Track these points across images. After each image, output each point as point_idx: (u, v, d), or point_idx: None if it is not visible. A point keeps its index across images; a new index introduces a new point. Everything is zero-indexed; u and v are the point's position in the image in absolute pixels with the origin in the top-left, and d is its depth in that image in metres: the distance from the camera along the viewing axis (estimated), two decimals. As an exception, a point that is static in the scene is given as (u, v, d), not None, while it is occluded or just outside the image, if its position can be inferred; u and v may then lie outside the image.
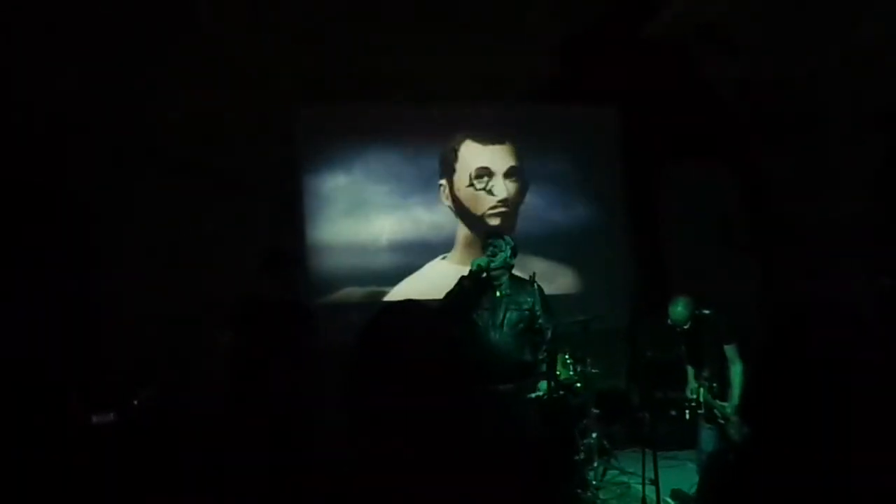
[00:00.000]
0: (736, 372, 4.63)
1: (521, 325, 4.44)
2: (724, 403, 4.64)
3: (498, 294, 4.46)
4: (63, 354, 5.09)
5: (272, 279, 4.34)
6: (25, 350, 4.95)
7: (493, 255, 4.42)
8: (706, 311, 4.72)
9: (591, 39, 6.45)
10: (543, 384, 4.40)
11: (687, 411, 4.84)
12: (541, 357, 4.46)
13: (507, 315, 4.43)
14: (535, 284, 4.48)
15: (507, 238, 4.57)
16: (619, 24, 6.25)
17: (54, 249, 5.50)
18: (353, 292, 6.59)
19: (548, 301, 4.54)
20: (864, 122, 5.74)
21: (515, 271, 4.59)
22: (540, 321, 4.43)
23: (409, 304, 1.51)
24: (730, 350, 4.66)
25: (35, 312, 5.22)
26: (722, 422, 4.62)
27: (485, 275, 4.42)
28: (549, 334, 4.46)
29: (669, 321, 4.72)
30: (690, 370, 4.98)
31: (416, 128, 6.85)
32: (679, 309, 4.66)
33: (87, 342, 5.40)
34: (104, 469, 4.12)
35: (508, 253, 4.46)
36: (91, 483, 4.03)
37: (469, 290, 4.40)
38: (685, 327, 4.70)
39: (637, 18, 6.15)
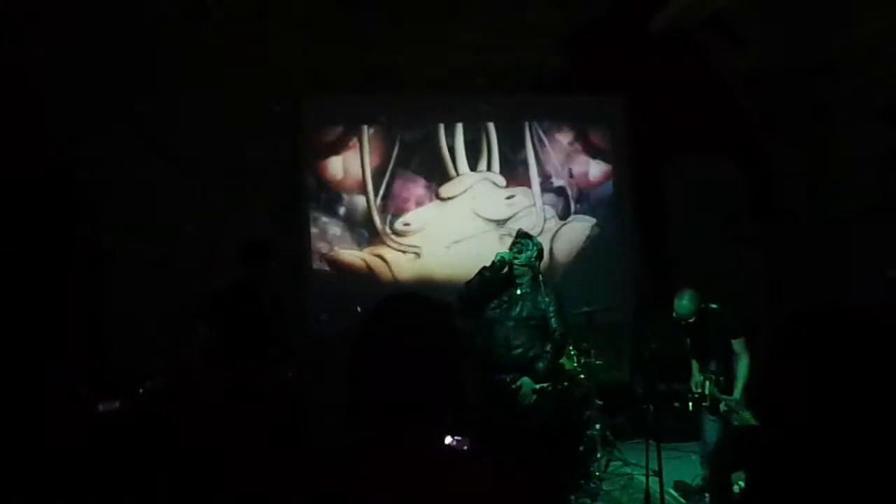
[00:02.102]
0: (742, 365, 4.63)
1: (534, 323, 4.46)
2: (730, 397, 4.64)
3: (518, 292, 4.48)
4: (70, 343, 5.12)
5: (247, 270, 4.34)
6: (34, 339, 4.98)
7: (520, 251, 4.44)
8: (714, 306, 4.70)
9: (597, 30, 6.42)
10: (526, 380, 4.41)
11: (691, 403, 4.84)
12: (546, 352, 4.48)
13: (524, 312, 4.46)
14: (553, 290, 4.53)
15: (536, 240, 4.59)
16: (626, 15, 6.22)
17: (61, 241, 5.53)
18: (355, 284, 6.62)
19: (563, 308, 4.56)
20: (872, 115, 5.70)
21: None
22: (553, 324, 4.45)
23: (412, 296, 1.51)
24: (737, 344, 4.65)
25: (42, 302, 5.25)
26: (733, 414, 4.62)
27: (506, 269, 4.43)
28: (556, 336, 4.48)
29: (675, 314, 4.71)
30: (695, 363, 4.98)
31: (420, 118, 6.85)
32: (684, 302, 4.65)
33: (94, 331, 5.44)
34: (110, 456, 4.15)
35: (535, 253, 4.48)
36: (97, 470, 4.06)
37: (489, 281, 4.42)
38: (690, 321, 4.69)
39: (644, 9, 6.11)
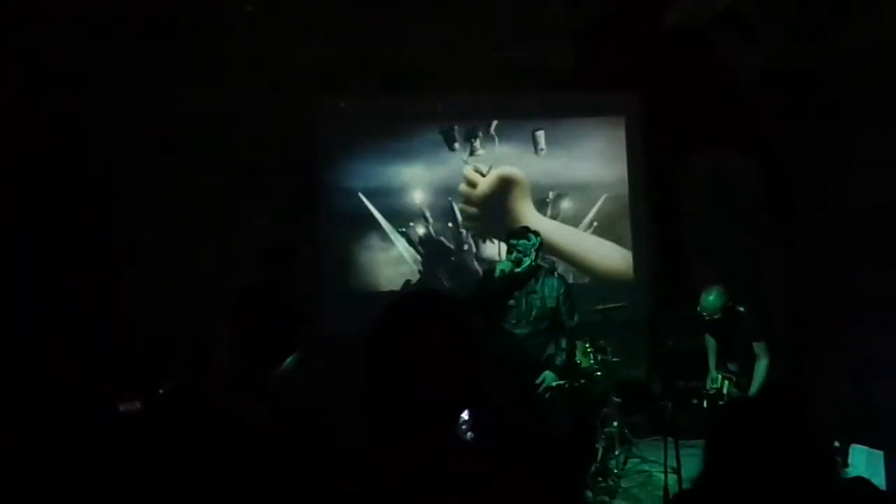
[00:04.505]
0: (761, 366, 4.62)
1: (545, 324, 4.46)
2: (744, 395, 4.64)
3: (527, 290, 4.48)
4: (91, 345, 5.17)
5: (272, 273, 4.42)
6: (54, 341, 5.04)
7: (518, 261, 4.40)
8: (741, 308, 4.67)
9: (609, 27, 6.40)
10: (549, 374, 4.41)
11: (706, 401, 4.83)
12: (561, 348, 4.48)
13: (533, 312, 4.45)
14: (559, 277, 4.52)
15: (533, 238, 4.48)
16: (639, 11, 6.20)
17: (80, 242, 5.59)
18: (370, 285, 6.65)
19: (571, 294, 4.55)
20: (889, 109, 5.64)
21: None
22: (564, 318, 4.44)
23: (427, 293, 1.51)
24: (759, 347, 4.63)
25: (63, 304, 5.31)
26: None
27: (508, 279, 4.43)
28: (570, 325, 4.48)
29: (699, 309, 4.66)
30: (712, 360, 4.96)
31: (434, 120, 6.86)
32: (711, 298, 4.59)
33: (115, 332, 5.49)
34: (130, 457, 4.19)
35: (533, 256, 4.44)
36: (117, 470, 4.10)
37: (493, 293, 4.41)
38: (715, 317, 4.64)
39: (656, 5, 6.09)
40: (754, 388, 4.62)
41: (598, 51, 6.53)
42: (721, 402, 4.74)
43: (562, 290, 4.48)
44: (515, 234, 4.55)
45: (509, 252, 4.45)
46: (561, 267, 6.44)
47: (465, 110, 6.84)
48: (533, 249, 4.43)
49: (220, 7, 5.77)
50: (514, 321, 4.46)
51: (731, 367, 4.84)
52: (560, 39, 6.48)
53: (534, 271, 4.46)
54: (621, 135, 7.00)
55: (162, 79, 5.87)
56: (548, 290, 4.46)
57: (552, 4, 6.15)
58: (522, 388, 4.38)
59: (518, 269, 4.38)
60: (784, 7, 5.91)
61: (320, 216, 6.62)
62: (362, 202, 6.68)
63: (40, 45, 5.34)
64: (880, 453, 4.81)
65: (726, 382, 4.76)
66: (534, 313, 4.44)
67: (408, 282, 6.68)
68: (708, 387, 4.84)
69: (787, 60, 6.28)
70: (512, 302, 4.46)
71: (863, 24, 5.53)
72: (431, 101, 6.81)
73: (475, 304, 4.34)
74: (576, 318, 4.54)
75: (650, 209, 6.96)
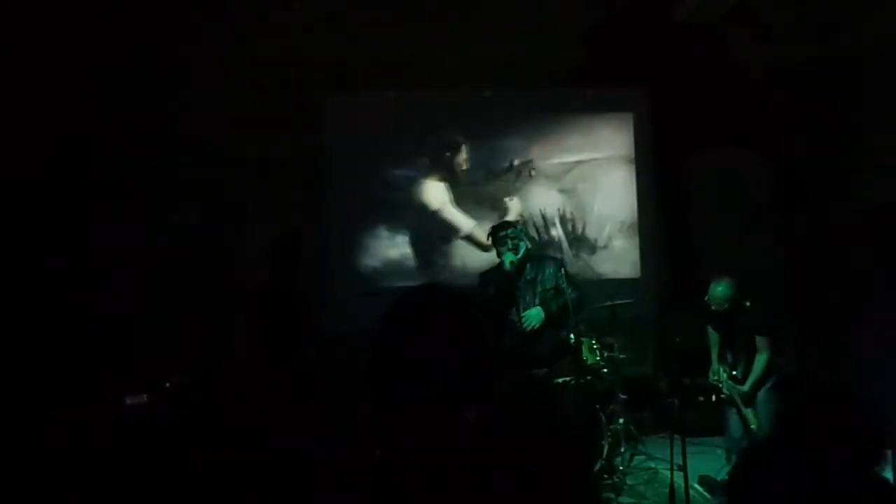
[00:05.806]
0: (760, 360, 4.69)
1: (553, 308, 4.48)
2: (740, 387, 4.72)
3: (528, 278, 4.51)
4: (97, 337, 5.19)
5: (280, 261, 4.44)
6: (59, 334, 5.06)
7: (516, 247, 4.47)
8: (747, 303, 4.70)
9: (619, 23, 6.37)
10: (534, 311, 4.47)
11: (714, 395, 4.87)
12: (560, 296, 4.48)
13: (537, 299, 4.48)
14: (553, 258, 4.67)
15: (518, 224, 4.74)
16: (648, 6, 6.16)
17: (87, 233, 5.61)
18: (377, 280, 6.64)
19: (569, 273, 4.66)
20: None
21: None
22: (569, 293, 4.44)
23: (435, 287, 1.51)
24: (761, 341, 4.68)
25: (68, 295, 5.33)
26: (736, 404, 4.68)
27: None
28: (574, 299, 4.47)
29: (707, 299, 4.70)
30: (714, 353, 4.99)
31: (441, 116, 6.83)
32: (720, 289, 4.65)
33: (121, 325, 5.50)
34: (136, 450, 4.20)
35: (525, 239, 4.58)
36: (123, 464, 4.11)
37: (506, 289, 4.45)
38: (724, 307, 4.68)
39: (666, 1, 6.06)
40: (750, 381, 4.71)
41: (607, 48, 6.50)
42: (722, 395, 4.80)
43: (559, 268, 4.56)
44: (501, 227, 4.67)
45: (502, 244, 4.51)
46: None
47: (471, 110, 6.83)
48: (522, 233, 4.58)
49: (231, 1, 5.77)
50: (519, 310, 4.49)
51: (730, 358, 4.89)
52: (568, 36, 6.45)
53: (528, 255, 4.51)
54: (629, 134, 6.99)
55: (171, 70, 5.87)
56: (547, 273, 4.51)
57: (560, 1, 6.11)
58: (530, 383, 4.40)
59: (520, 256, 4.44)
60: (794, 3, 5.88)
61: (328, 214, 6.61)
62: (368, 199, 6.68)
63: (52, 36, 5.36)
64: (887, 451, 4.80)
65: (724, 373, 4.82)
66: (537, 300, 4.47)
67: (416, 276, 6.68)
68: (710, 379, 4.89)
69: (797, 57, 6.25)
70: (517, 293, 4.50)
71: (873, 21, 5.50)
72: (437, 97, 6.79)
73: (490, 304, 4.40)
74: (571, 290, 4.50)
75: (658, 207, 6.94)
